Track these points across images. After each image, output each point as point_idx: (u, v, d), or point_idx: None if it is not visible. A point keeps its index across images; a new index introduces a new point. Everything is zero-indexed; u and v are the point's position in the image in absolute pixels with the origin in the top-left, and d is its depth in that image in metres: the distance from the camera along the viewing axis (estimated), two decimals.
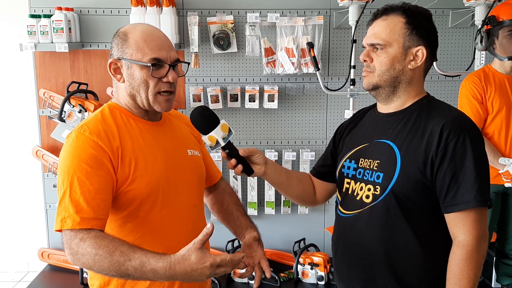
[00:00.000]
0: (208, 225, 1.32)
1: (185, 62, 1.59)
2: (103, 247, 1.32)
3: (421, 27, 1.52)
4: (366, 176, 1.55)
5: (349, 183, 1.61)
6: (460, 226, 1.43)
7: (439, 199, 1.46)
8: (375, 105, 1.68)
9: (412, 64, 1.52)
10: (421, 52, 1.51)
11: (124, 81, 1.52)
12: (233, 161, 1.60)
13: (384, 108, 1.61)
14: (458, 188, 1.42)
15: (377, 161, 1.53)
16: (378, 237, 1.51)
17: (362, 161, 1.58)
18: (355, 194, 1.58)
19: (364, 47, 1.58)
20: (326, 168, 1.79)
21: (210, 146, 1.57)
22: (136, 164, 1.47)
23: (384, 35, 1.51)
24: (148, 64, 1.48)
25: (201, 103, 3.26)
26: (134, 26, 1.54)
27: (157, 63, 1.49)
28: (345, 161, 1.65)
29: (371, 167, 1.54)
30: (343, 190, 1.64)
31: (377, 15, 1.57)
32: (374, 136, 1.58)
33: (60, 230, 1.39)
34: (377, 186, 1.51)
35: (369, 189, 1.53)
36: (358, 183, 1.57)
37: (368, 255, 1.54)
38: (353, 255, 1.59)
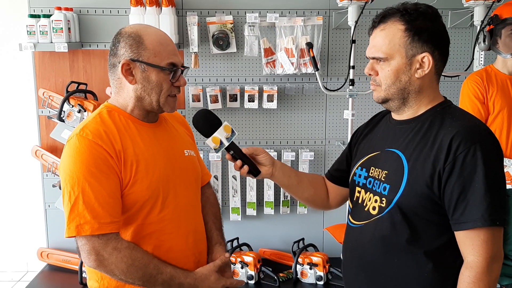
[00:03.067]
0: (227, 255, 1.63)
1: (187, 67, 1.61)
2: (139, 259, 1.43)
3: (423, 31, 1.40)
4: (375, 187, 1.48)
5: (359, 192, 1.55)
6: (470, 246, 1.33)
7: (448, 215, 1.37)
8: None
9: (419, 73, 1.42)
10: (426, 58, 1.41)
11: (135, 83, 1.50)
12: (239, 162, 1.60)
13: (398, 115, 1.53)
14: (466, 205, 1.32)
15: (385, 171, 1.46)
16: (382, 251, 1.45)
17: (372, 170, 1.51)
18: (364, 204, 1.52)
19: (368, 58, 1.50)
20: (340, 172, 1.74)
21: (214, 148, 1.58)
22: (137, 166, 1.47)
23: (384, 48, 1.42)
24: (168, 69, 1.49)
25: (200, 103, 3.26)
26: (145, 28, 1.52)
27: (173, 68, 1.51)
28: (357, 168, 1.59)
29: (380, 177, 1.47)
30: (354, 199, 1.58)
31: (375, 23, 1.46)
32: (385, 144, 1.51)
33: (73, 236, 1.41)
34: (383, 198, 1.44)
35: (376, 201, 1.47)
36: (368, 193, 1.51)
37: (371, 269, 1.49)
38: (358, 266, 1.53)
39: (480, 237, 1.31)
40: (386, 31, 1.42)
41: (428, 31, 1.41)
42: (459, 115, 1.43)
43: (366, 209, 1.50)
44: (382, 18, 1.44)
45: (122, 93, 1.54)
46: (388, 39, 1.41)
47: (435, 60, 1.43)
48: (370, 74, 1.48)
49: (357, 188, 1.56)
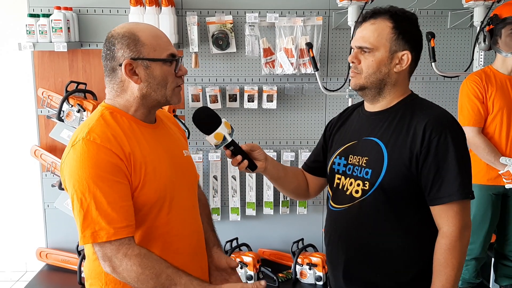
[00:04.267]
0: (263, 283, 1.43)
1: (182, 57, 1.60)
2: (149, 267, 1.37)
3: (407, 32, 1.58)
4: (355, 172, 1.63)
5: (339, 179, 1.69)
6: (444, 218, 1.52)
7: (425, 192, 1.54)
8: (362, 102, 1.74)
9: (397, 68, 1.59)
10: (406, 56, 1.58)
11: (140, 82, 1.47)
12: (239, 157, 1.66)
13: (371, 107, 1.68)
14: (441, 182, 1.51)
15: (365, 158, 1.61)
16: (367, 229, 1.60)
17: (351, 157, 1.66)
18: (345, 189, 1.65)
19: (352, 48, 1.64)
20: (317, 163, 1.86)
21: (215, 145, 1.60)
22: (146, 169, 1.44)
23: (372, 39, 1.57)
24: (170, 60, 1.49)
25: (200, 103, 3.25)
26: (135, 25, 1.50)
27: (174, 58, 1.50)
28: (335, 157, 1.72)
29: (360, 163, 1.62)
30: (334, 186, 1.71)
31: (366, 17, 1.62)
32: (362, 134, 1.66)
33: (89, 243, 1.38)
34: (366, 182, 1.59)
35: (358, 185, 1.61)
36: (348, 178, 1.65)
37: (358, 246, 1.62)
38: (344, 245, 1.66)
39: (453, 209, 1.51)
40: (376, 25, 1.59)
41: (411, 34, 1.60)
42: (426, 106, 1.62)
43: (348, 193, 1.64)
44: (373, 14, 1.61)
45: (124, 95, 1.50)
46: (377, 32, 1.58)
47: (412, 60, 1.60)
48: (353, 62, 1.61)
49: (337, 176, 1.70)
